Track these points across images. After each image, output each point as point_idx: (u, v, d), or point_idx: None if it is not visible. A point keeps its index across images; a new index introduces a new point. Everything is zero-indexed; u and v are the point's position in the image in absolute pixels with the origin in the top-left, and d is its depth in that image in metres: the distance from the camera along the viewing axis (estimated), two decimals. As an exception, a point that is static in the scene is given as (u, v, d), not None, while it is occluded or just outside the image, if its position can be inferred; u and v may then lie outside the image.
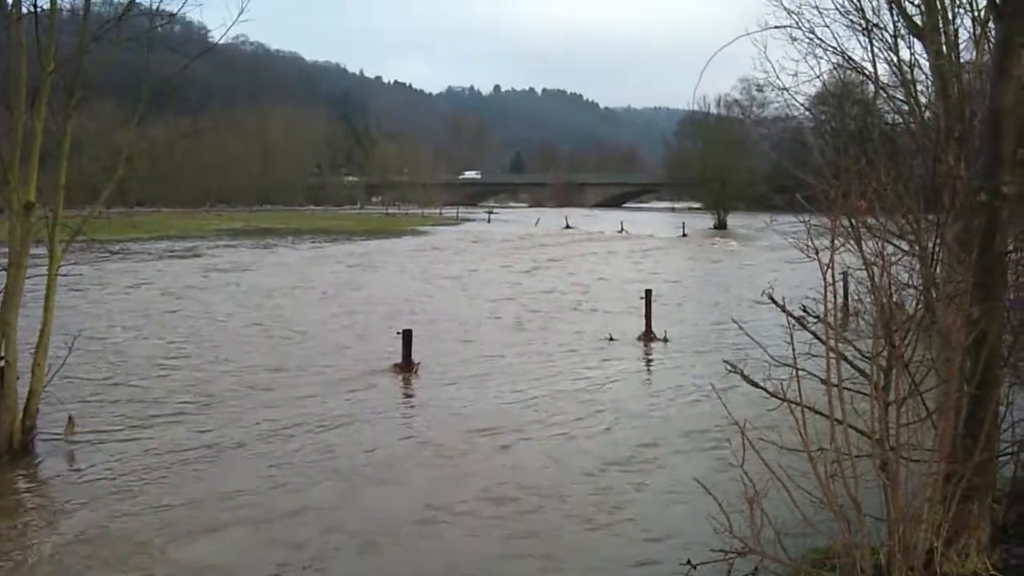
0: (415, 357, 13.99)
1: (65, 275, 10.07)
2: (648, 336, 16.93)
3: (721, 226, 71.95)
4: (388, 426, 10.87)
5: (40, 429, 9.65)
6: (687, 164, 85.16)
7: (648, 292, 17.61)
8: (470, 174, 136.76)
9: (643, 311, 17.32)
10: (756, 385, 5.42)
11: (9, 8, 9.74)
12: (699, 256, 42.49)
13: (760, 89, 42.54)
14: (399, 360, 13.95)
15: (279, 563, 6.69)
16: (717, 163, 74.37)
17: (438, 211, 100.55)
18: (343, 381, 13.31)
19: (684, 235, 57.87)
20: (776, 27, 9.83)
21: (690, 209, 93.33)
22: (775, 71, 10.16)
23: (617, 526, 7.53)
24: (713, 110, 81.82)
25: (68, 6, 10.62)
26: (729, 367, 5.45)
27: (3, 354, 9.27)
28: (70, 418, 10.01)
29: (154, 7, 10.92)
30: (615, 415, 11.38)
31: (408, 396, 12.75)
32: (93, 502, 8.03)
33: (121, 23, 10.62)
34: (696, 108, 78.70)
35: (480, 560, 6.89)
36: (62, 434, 9.83)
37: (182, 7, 11.08)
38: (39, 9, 9.86)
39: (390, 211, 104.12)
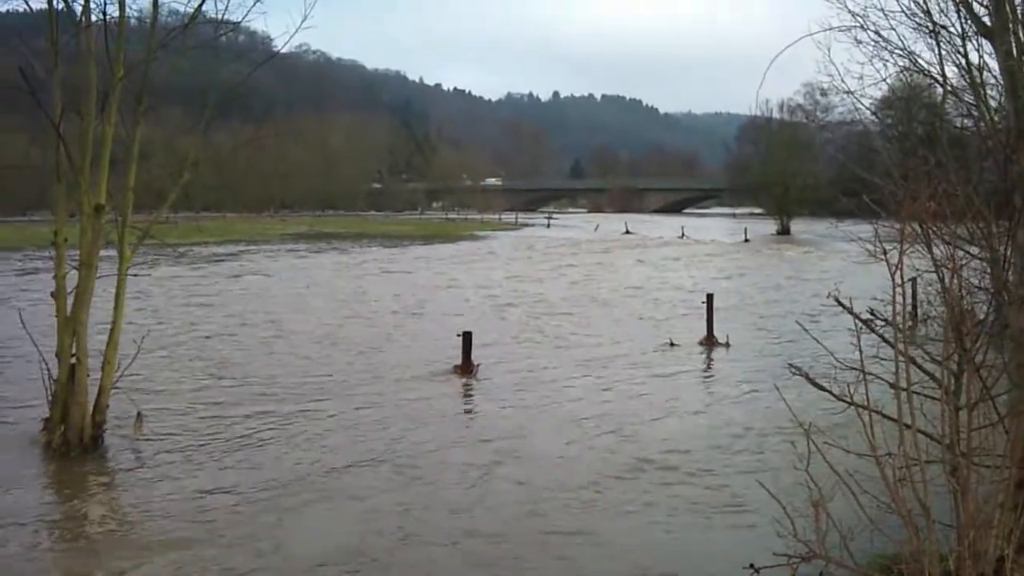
0: (474, 359, 14.02)
1: (135, 275, 10.30)
2: (710, 341, 16.74)
3: (784, 231, 70.92)
4: (446, 430, 10.88)
5: (109, 425, 9.88)
6: (749, 169, 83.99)
7: (710, 297, 17.41)
8: (491, 181, 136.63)
9: (704, 316, 17.13)
10: (822, 388, 5.33)
11: (79, 16, 10.00)
12: (761, 261, 41.90)
13: (824, 93, 41.81)
14: (459, 362, 13.99)
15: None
16: (779, 168, 73.29)
17: (497, 216, 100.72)
18: (401, 382, 13.37)
19: (746, 240, 57.15)
20: (840, 28, 9.62)
21: (752, 215, 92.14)
22: (840, 74, 9.94)
23: (682, 527, 7.46)
24: (776, 115, 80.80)
25: (136, 15, 10.86)
26: (794, 370, 5.38)
27: (75, 351, 9.52)
28: (138, 414, 10.23)
29: (219, 16, 11.10)
30: (677, 419, 11.29)
31: (467, 398, 12.77)
32: (155, 495, 8.21)
33: (187, 31, 10.86)
34: (758, 113, 77.64)
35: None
36: (130, 430, 10.03)
37: (246, 15, 11.16)
38: (108, 17, 10.14)
39: (450, 216, 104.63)
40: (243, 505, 7.98)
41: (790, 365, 5.51)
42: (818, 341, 6.45)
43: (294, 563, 6.75)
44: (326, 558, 6.81)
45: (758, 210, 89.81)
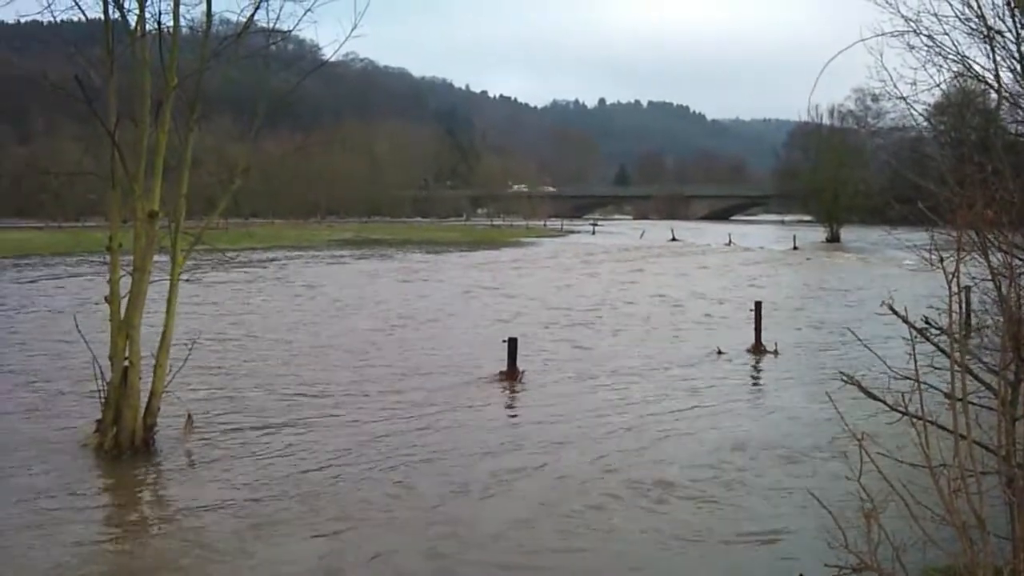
0: (519, 365, 14.02)
1: (187, 280, 10.46)
2: (758, 349, 16.56)
3: (834, 239, 69.99)
4: (488, 437, 10.89)
5: (160, 427, 10.04)
6: (798, 176, 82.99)
7: (757, 304, 17.24)
8: (518, 187, 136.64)
9: (752, 324, 16.96)
10: (875, 398, 5.24)
11: (134, 26, 10.20)
12: (810, 269, 41.38)
13: (875, 99, 41.29)
14: (505, 368, 13.99)
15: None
16: (829, 174, 72.32)
17: (542, 223, 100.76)
18: (445, 389, 13.41)
19: (795, 248, 56.47)
20: (893, 33, 9.48)
21: (800, 222, 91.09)
22: (892, 80, 9.76)
23: (728, 536, 7.40)
24: (826, 121, 79.81)
25: (189, 24, 11.05)
26: (845, 379, 5.30)
27: (127, 355, 9.70)
28: (189, 416, 10.38)
29: (271, 25, 11.24)
30: (723, 428, 11.17)
31: (511, 407, 12.78)
32: (204, 496, 8.33)
33: (239, 40, 11.03)
34: (809, 119, 76.68)
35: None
36: (181, 432, 10.18)
37: (296, 24, 11.28)
38: (162, 27, 10.33)
39: (495, 223, 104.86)
40: (292, 506, 8.06)
41: (842, 374, 5.42)
42: (870, 350, 6.36)
43: (342, 562, 6.79)
44: (378, 553, 6.85)
45: (807, 217, 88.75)
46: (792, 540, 7.30)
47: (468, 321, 21.28)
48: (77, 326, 10.62)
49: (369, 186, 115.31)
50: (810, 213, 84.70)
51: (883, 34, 9.32)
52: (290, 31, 11.61)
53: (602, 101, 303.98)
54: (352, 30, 11.36)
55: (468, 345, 17.54)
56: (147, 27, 10.23)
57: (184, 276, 10.54)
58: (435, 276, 35.18)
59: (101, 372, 9.82)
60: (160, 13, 10.48)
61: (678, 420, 11.58)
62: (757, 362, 16.00)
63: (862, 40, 8.89)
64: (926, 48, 9.67)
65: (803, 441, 10.44)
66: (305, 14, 11.08)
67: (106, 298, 9.96)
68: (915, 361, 4.84)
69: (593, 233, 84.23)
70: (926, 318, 5.45)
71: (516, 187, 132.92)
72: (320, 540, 7.31)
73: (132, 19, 10.20)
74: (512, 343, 14.14)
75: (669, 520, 7.85)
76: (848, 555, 4.80)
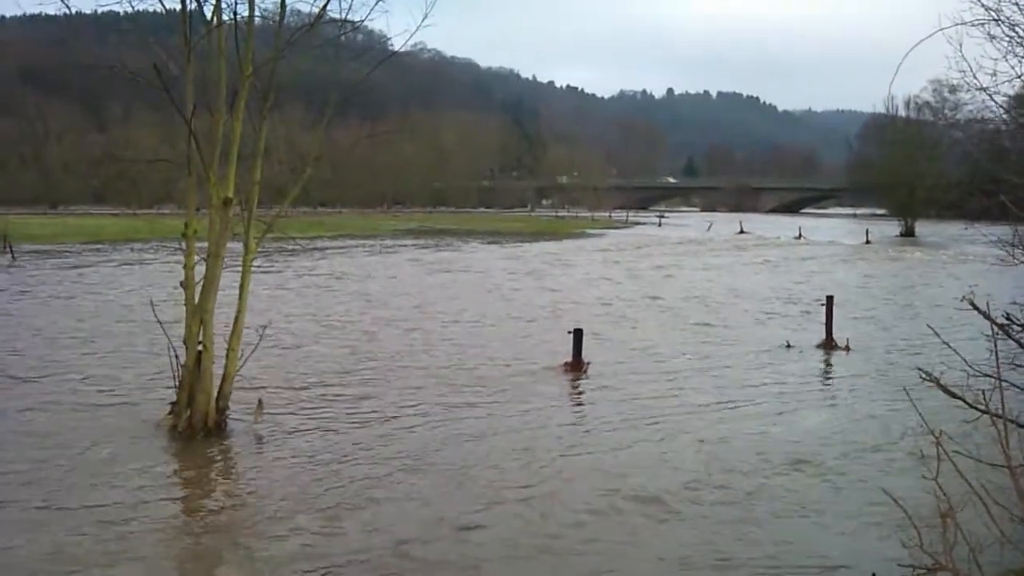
0: (584, 356, 13.98)
1: (259, 267, 10.64)
2: (829, 343, 16.25)
3: (908, 233, 68.43)
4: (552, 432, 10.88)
5: (232, 410, 10.26)
6: (871, 168, 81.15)
7: (829, 299, 16.90)
8: (583, 178, 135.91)
9: (823, 319, 16.66)
10: (953, 395, 5.10)
11: (210, 16, 10.40)
12: (884, 263, 40.47)
13: (953, 90, 40.17)
14: (569, 359, 13.97)
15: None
16: (904, 167, 70.62)
17: (608, 214, 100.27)
18: (510, 378, 13.44)
19: (867, 242, 55.31)
20: (972, 23, 9.17)
21: (873, 216, 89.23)
22: (971, 71, 9.44)
23: (800, 534, 7.29)
24: (901, 112, 77.92)
25: (264, 14, 11.21)
26: (923, 376, 5.16)
27: (201, 339, 9.92)
28: (260, 400, 10.59)
29: (343, 15, 11.35)
30: (792, 424, 11.00)
31: (576, 398, 12.76)
32: (274, 478, 8.49)
33: (312, 31, 11.17)
34: (885, 111, 74.94)
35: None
36: (252, 415, 10.39)
37: (368, 14, 11.37)
38: (238, 17, 10.51)
39: (560, 214, 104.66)
40: (356, 490, 8.16)
41: (920, 370, 5.28)
42: (950, 347, 6.19)
43: (397, 543, 6.86)
44: (433, 537, 6.92)
45: (880, 211, 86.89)
46: (864, 539, 7.18)
47: (529, 311, 21.25)
48: (153, 310, 10.89)
49: (434, 176, 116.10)
50: (884, 207, 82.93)
51: (963, 23, 9.03)
52: (362, 21, 11.69)
53: (670, 91, 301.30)
54: (423, 20, 11.42)
55: (531, 335, 17.52)
56: (224, 17, 10.43)
57: (256, 263, 10.74)
58: (500, 265, 35.27)
59: (176, 356, 10.05)
60: (236, 3, 10.67)
61: (750, 414, 11.43)
62: (827, 358, 15.70)
63: (941, 30, 8.63)
64: (1007, 38, 9.32)
65: (877, 438, 10.25)
66: (376, 3, 11.18)
67: (181, 283, 10.20)
68: (996, 358, 4.70)
69: (659, 225, 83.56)
70: (1007, 314, 5.30)
71: (580, 178, 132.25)
72: (374, 522, 7.41)
73: (209, 9, 10.42)
74: (577, 334, 14.10)
75: (739, 513, 7.75)
76: (923, 555, 4.69)
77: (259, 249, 10.78)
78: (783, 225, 76.59)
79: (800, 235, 60.93)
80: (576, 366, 13.86)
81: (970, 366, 5.28)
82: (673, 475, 8.82)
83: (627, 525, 7.54)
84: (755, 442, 10.07)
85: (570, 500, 8.05)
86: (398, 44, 12.50)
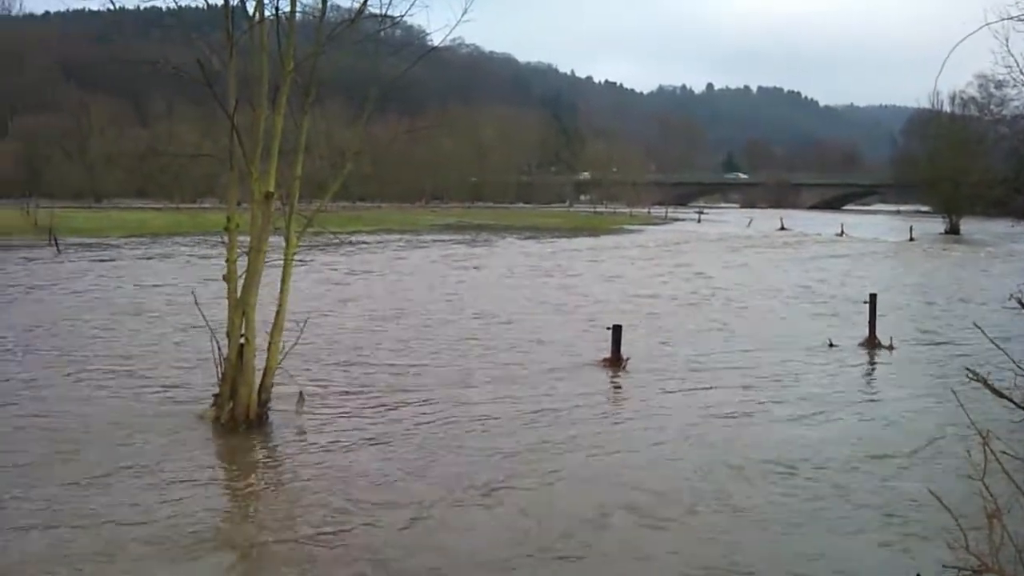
0: (623, 352, 13.90)
1: (300, 260, 10.70)
2: (872, 342, 16.00)
3: (953, 230, 67.31)
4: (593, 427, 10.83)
5: (273, 402, 10.33)
6: (915, 164, 79.88)
7: (872, 297, 16.65)
8: (585, 175, 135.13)
9: (866, 317, 16.42)
10: (1001, 395, 4.98)
11: (252, 12, 10.46)
12: (928, 261, 39.83)
13: (999, 86, 39.45)
14: (608, 355, 13.90)
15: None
16: (949, 163, 69.39)
17: (646, 210, 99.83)
18: (550, 372, 13.39)
19: (911, 239, 54.47)
20: (1020, 17, 8.96)
21: (917, 212, 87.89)
22: (1018, 65, 9.22)
23: (844, 534, 7.19)
24: (946, 107, 76.61)
25: (305, 10, 11.25)
26: (971, 375, 5.04)
27: (243, 332, 9.99)
28: (300, 393, 10.64)
29: (383, 10, 11.36)
30: (835, 423, 10.84)
31: (616, 392, 12.69)
32: (315, 470, 8.56)
33: (352, 26, 11.19)
34: (929, 106, 73.74)
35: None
36: (293, 408, 10.45)
37: (408, 9, 11.37)
38: (280, 13, 10.55)
39: (598, 209, 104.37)
40: (401, 482, 8.18)
41: (967, 370, 5.16)
42: (997, 346, 6.06)
43: (438, 536, 6.85)
44: (477, 535, 6.90)
45: (924, 208, 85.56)
46: (909, 539, 7.06)
47: (566, 306, 21.20)
48: (196, 303, 10.99)
49: (473, 171, 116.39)
50: (928, 203, 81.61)
51: (1009, 18, 8.85)
52: (402, 16, 11.70)
53: (710, 87, 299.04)
54: (463, 15, 11.42)
55: (568, 330, 17.45)
56: (265, 12, 10.48)
57: (297, 257, 10.81)
58: (537, 261, 35.26)
59: (218, 348, 10.14)
60: (278, -1, 10.70)
61: (791, 413, 11.26)
62: (871, 356, 15.46)
63: (987, 24, 8.46)
64: (1056, 34, 9.09)
65: (921, 438, 10.05)
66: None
67: (224, 277, 10.29)
68: (1049, 358, 4.59)
69: (699, 221, 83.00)
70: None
71: (619, 174, 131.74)
72: (421, 519, 7.40)
73: (251, 5, 10.48)
74: (616, 330, 14.03)
75: (783, 513, 7.65)
76: (968, 557, 4.60)
77: (299, 243, 10.83)
78: (824, 222, 75.76)
79: (842, 232, 60.17)
80: (615, 362, 13.78)
81: (1017, 365, 5.16)
82: (709, 475, 8.71)
83: (657, 531, 7.45)
84: (795, 443, 9.92)
85: (582, 502, 7.97)
86: (437, 39, 12.51)
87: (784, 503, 7.93)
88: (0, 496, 7.65)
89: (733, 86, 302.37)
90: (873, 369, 14.68)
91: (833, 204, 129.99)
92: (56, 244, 35.46)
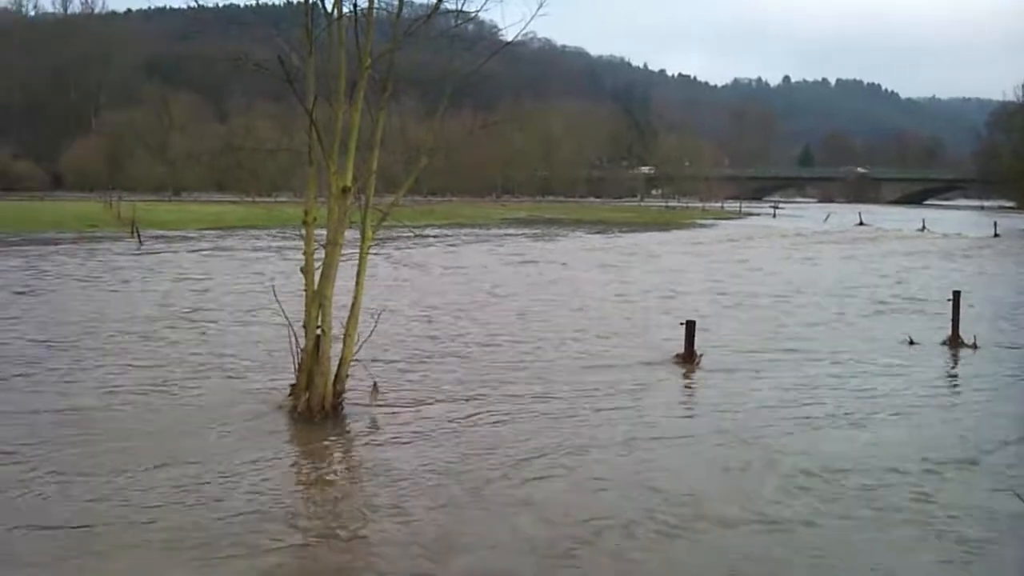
0: (697, 348, 13.77)
1: (375, 253, 10.84)
2: (955, 341, 15.54)
3: (1041, 226, 65.09)
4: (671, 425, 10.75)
5: (348, 394, 10.49)
6: (999, 159, 77.40)
7: (956, 294, 16.18)
8: (646, 169, 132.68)
9: (948, 314, 15.97)
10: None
11: (331, 8, 10.61)
12: (1013, 258, 38.48)
13: (1089, 78, 38.01)
14: (681, 351, 13.78)
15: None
16: (1035, 157, 67.12)
17: (719, 205, 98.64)
18: (621, 368, 13.33)
19: (996, 235, 52.73)
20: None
21: (1001, 208, 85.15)
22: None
23: (927, 541, 7.01)
24: (1034, 99, 74.05)
25: (383, 6, 11.38)
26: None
27: (320, 323, 10.17)
28: (375, 384, 10.80)
29: (459, 6, 11.42)
30: (917, 423, 10.58)
31: (688, 388, 12.58)
32: (389, 461, 8.65)
33: (428, 22, 11.29)
34: (1015, 98, 71.42)
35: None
36: (367, 399, 10.60)
37: (484, 5, 11.43)
38: (358, 9, 10.69)
39: (670, 204, 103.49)
40: (474, 476, 8.24)
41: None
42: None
43: (514, 533, 6.88)
44: (555, 534, 6.92)
45: (1008, 203, 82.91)
46: (995, 547, 6.87)
47: (637, 301, 21.05)
48: (275, 295, 11.23)
49: (543, 166, 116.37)
50: (1012, 199, 79.10)
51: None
52: (478, 11, 11.76)
53: (786, 79, 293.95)
54: (538, 9, 11.43)
55: (644, 325, 17.33)
56: (343, 9, 10.63)
57: (372, 250, 10.96)
58: (607, 255, 35.10)
59: (296, 339, 10.33)
60: (356, -5, 10.83)
61: (863, 412, 11.00)
62: (954, 355, 15.02)
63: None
64: None
65: (1007, 439, 9.77)
66: (492, -6, 11.22)
67: (301, 269, 10.48)
68: None
69: (774, 216, 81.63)
70: None
71: (691, 168, 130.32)
72: (485, 509, 7.46)
73: (329, 3, 10.63)
74: (690, 326, 13.89)
75: (871, 521, 7.50)
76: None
77: (374, 237, 10.96)
78: (905, 217, 73.93)
79: (923, 227, 58.60)
80: (688, 358, 13.65)
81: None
82: (787, 480, 8.58)
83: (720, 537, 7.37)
84: (874, 446, 9.69)
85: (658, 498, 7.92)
86: (510, 34, 12.52)
87: (866, 519, 7.74)
88: (97, 474, 7.97)
89: (810, 78, 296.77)
90: (956, 368, 14.27)
91: (914, 199, 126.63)
92: (138, 236, 36.52)
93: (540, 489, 7.98)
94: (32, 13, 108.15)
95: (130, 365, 12.72)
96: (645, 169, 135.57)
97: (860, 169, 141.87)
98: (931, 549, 6.89)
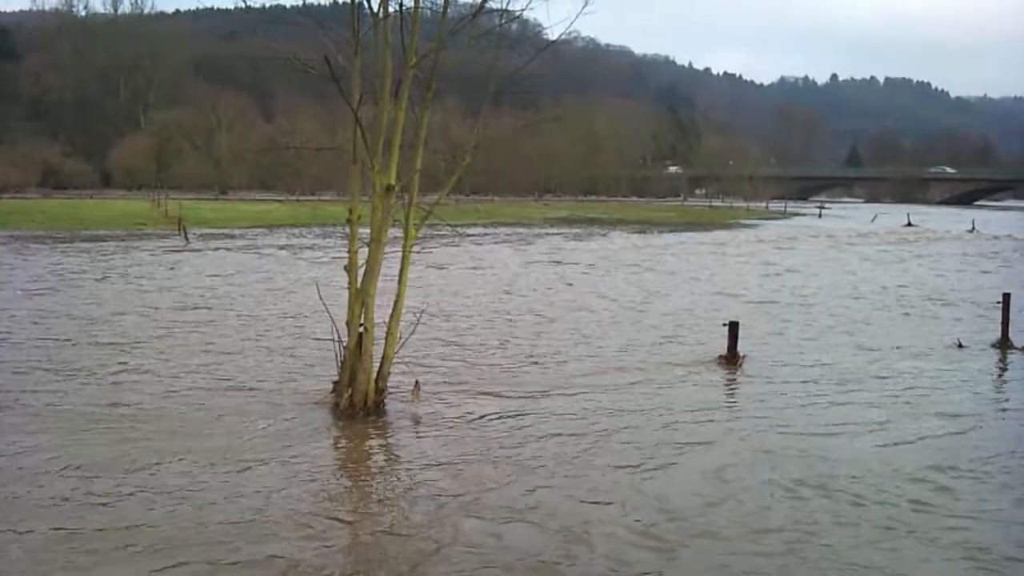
0: (740, 349, 13.65)
1: (419, 251, 10.88)
2: (1004, 344, 15.23)
3: (1093, 228, 63.50)
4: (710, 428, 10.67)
5: (390, 391, 10.58)
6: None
7: (1005, 296, 15.85)
8: (675, 169, 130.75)
9: (998, 317, 15.65)
10: None
11: (377, 8, 10.68)
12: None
13: None
14: (724, 352, 13.68)
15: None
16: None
17: (764, 205, 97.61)
18: (665, 367, 13.26)
19: (1049, 237, 51.57)
20: None
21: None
22: None
23: (955, 551, 6.89)
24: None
25: (428, 6, 11.43)
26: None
27: (363, 321, 10.25)
28: (416, 382, 10.85)
29: (504, 5, 11.42)
30: (965, 428, 10.36)
31: (731, 390, 12.48)
32: (428, 455, 8.73)
33: (473, 21, 11.32)
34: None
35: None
36: (409, 397, 10.67)
37: (528, 4, 11.41)
38: (403, 9, 10.74)
39: (713, 204, 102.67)
40: (515, 474, 8.26)
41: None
42: None
43: (563, 534, 6.88)
44: (604, 534, 6.91)
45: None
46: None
47: (679, 301, 20.91)
48: (319, 292, 11.32)
49: (585, 165, 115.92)
50: (1067, 199, 77.34)
51: None
52: (523, 10, 11.73)
53: (834, 77, 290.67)
54: (583, 7, 11.40)
55: (679, 327, 17.21)
56: (389, 9, 10.68)
57: (415, 248, 11.02)
58: (649, 254, 34.92)
59: (339, 337, 10.42)
60: (401, -5, 10.88)
61: (910, 414, 10.84)
62: (1003, 358, 14.73)
63: None
64: None
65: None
66: (537, -7, 11.19)
67: (345, 267, 10.56)
68: None
69: (820, 216, 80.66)
70: None
71: (736, 167, 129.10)
72: (532, 507, 7.45)
73: (375, 2, 10.70)
74: (733, 327, 13.77)
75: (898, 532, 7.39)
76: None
77: (418, 235, 11.01)
78: (954, 217, 72.65)
79: (973, 228, 57.49)
80: (731, 359, 13.54)
81: None
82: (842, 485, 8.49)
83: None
84: (926, 451, 9.54)
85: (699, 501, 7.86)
86: (555, 33, 12.50)
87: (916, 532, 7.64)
88: (145, 468, 8.14)
89: (858, 76, 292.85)
90: (1005, 371, 13.99)
91: (963, 199, 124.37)
92: (185, 234, 37.08)
93: (590, 494, 7.98)
94: (83, 13, 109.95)
95: (165, 363, 12.91)
96: (676, 169, 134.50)
97: (949, 169, 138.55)
98: None
